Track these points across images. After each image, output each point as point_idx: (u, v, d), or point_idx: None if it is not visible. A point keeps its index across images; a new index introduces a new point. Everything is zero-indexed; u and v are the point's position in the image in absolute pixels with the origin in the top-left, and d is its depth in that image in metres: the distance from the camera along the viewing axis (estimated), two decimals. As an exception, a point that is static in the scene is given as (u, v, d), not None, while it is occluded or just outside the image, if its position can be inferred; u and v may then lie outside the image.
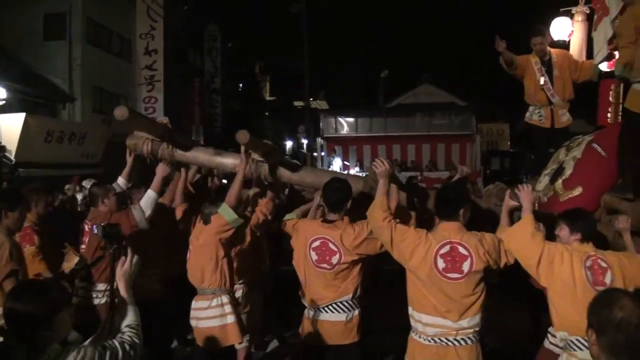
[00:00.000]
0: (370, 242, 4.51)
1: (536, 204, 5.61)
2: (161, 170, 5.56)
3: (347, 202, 4.66)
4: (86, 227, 5.85)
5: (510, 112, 35.29)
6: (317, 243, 4.57)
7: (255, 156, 5.15)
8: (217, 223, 4.94)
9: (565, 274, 3.98)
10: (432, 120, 18.62)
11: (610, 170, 5.35)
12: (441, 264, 4.01)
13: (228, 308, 5.04)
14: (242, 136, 4.71)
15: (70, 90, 21.14)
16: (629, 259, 4.14)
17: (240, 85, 42.49)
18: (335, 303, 4.55)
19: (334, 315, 4.55)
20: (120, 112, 4.64)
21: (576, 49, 7.61)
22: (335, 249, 4.51)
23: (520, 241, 4.12)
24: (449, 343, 4.01)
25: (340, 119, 19.14)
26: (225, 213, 4.86)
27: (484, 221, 4.95)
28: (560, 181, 5.56)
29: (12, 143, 16.20)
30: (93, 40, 22.16)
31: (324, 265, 4.53)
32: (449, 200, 4.24)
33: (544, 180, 5.84)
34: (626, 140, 5.35)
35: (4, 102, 16.32)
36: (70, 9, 21.01)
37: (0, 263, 4.52)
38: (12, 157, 16.25)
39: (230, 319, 5.03)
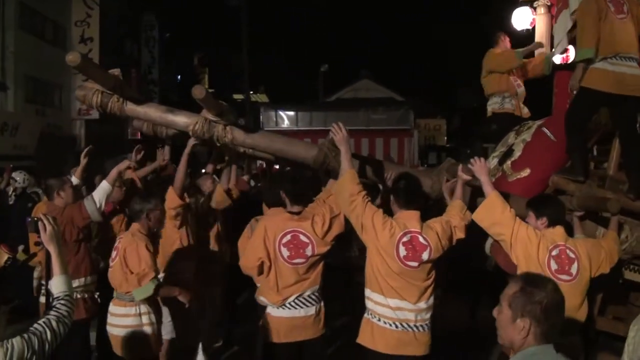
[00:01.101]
0: (336, 221, 4.57)
1: None
2: (122, 164, 5.51)
3: (310, 192, 4.70)
4: None
5: (446, 109, 36.17)
6: (287, 238, 4.47)
7: (209, 116, 4.97)
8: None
9: (532, 257, 4.19)
10: (371, 115, 18.77)
11: (559, 154, 5.50)
12: (402, 251, 4.16)
13: (145, 318, 4.90)
14: (198, 91, 4.50)
15: (3, 79, 20.36)
16: (594, 247, 4.39)
17: (179, 77, 41.89)
18: (304, 296, 4.52)
19: (303, 310, 4.52)
20: (72, 57, 4.42)
21: (539, 35, 7.89)
22: (307, 241, 4.47)
23: (492, 218, 4.30)
24: (409, 329, 4.18)
25: (280, 113, 19.10)
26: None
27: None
28: (509, 162, 5.74)
29: (-61, 132, 15.58)
30: (26, 27, 21.36)
31: (298, 260, 4.46)
32: (410, 191, 4.39)
33: (492, 162, 5.98)
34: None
35: None
36: (2, -6, 20.23)
37: None
38: (-59, 147, 15.65)
39: (147, 330, 4.90)
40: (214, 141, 5.10)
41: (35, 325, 2.74)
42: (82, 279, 5.44)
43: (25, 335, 2.65)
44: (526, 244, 4.22)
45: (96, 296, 5.71)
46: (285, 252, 4.45)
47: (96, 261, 5.86)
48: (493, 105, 7.38)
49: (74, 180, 6.01)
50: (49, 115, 22.95)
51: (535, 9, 8.11)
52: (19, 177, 9.52)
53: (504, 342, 2.49)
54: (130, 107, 5.17)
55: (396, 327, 4.19)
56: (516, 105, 7.30)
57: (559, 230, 4.34)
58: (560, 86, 6.62)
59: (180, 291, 4.95)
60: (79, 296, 5.33)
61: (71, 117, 24.84)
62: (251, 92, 32.29)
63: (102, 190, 5.34)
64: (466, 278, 7.30)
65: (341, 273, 6.86)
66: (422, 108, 24.32)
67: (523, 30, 8.25)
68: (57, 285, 2.98)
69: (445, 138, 33.00)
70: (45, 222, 3.04)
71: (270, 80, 45.10)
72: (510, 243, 4.26)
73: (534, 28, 8.16)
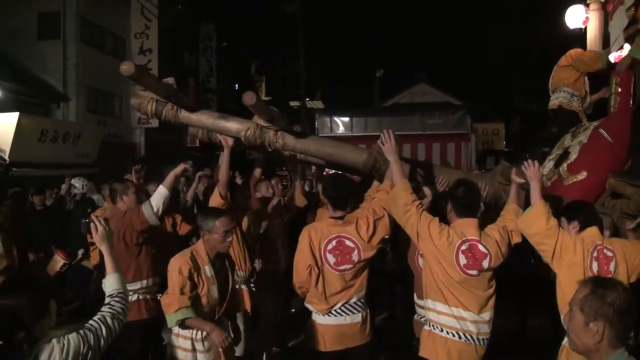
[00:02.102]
0: (380, 223, 4.47)
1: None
2: (178, 168, 5.46)
3: (351, 197, 4.59)
4: None
5: (505, 113, 35.53)
6: (333, 244, 4.39)
7: (261, 121, 5.02)
8: None
9: (576, 264, 4.05)
10: (427, 120, 18.55)
11: (616, 156, 5.36)
12: (462, 259, 4.08)
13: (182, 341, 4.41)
14: (249, 97, 4.58)
15: (65, 90, 21.06)
16: (633, 246, 4.23)
17: (236, 85, 42.43)
18: (350, 303, 4.43)
19: (349, 317, 4.42)
20: (127, 67, 4.54)
21: (592, 37, 7.66)
22: (353, 245, 4.38)
23: (536, 228, 4.16)
24: (472, 342, 4.08)
25: (335, 119, 19.08)
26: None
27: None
28: (565, 165, 5.59)
29: (6, 142, 16.19)
30: (87, 40, 22.06)
31: (345, 266, 4.37)
32: (469, 198, 4.28)
33: (548, 165, 5.85)
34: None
35: (-3, 101, 16.29)
36: (64, 8, 20.92)
37: None
38: (6, 157, 16.23)
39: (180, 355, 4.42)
40: (266, 146, 5.13)
41: (91, 321, 2.79)
42: (144, 281, 5.49)
43: (81, 332, 2.68)
44: (571, 251, 4.08)
45: (159, 297, 5.75)
46: (332, 259, 4.37)
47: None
48: (561, 99, 7.09)
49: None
50: (110, 124, 23.56)
51: (588, 5, 7.86)
52: (78, 183, 9.83)
53: (577, 348, 2.41)
54: (184, 115, 5.27)
55: (459, 337, 4.08)
56: (581, 110, 7.04)
57: (594, 230, 4.21)
58: (622, 86, 6.38)
59: (212, 327, 4.30)
60: (140, 297, 5.43)
61: (131, 126, 25.43)
62: (307, 99, 32.45)
63: (159, 195, 5.33)
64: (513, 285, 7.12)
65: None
66: (479, 112, 23.99)
67: (576, 29, 8.00)
68: (110, 283, 3.06)
69: (504, 142, 32.42)
70: (97, 223, 3.14)
71: (327, 87, 45.27)
72: (552, 253, 4.10)
73: (587, 27, 7.91)
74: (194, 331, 4.30)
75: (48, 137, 17.62)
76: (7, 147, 16.19)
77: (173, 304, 4.20)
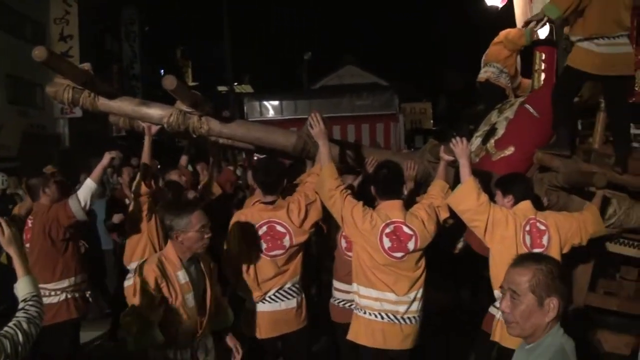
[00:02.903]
0: (312, 207, 4.48)
1: None
2: (105, 159, 5.33)
3: (283, 181, 4.58)
4: (29, 223, 5.62)
5: (432, 92, 36.15)
6: (264, 229, 4.37)
7: (184, 107, 4.88)
8: None
9: (508, 238, 4.18)
10: (356, 101, 18.66)
11: (542, 131, 5.46)
12: (387, 243, 4.12)
13: None
14: (169, 81, 4.36)
15: (-18, 80, 20.16)
16: (565, 219, 4.38)
17: (162, 71, 41.64)
18: (284, 289, 4.43)
19: (284, 303, 4.43)
20: (39, 52, 4.34)
21: (519, 14, 7.85)
22: (284, 230, 4.37)
23: (467, 204, 4.25)
24: (395, 321, 4.12)
25: (264, 103, 18.91)
26: None
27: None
28: (492, 141, 5.70)
29: None
30: (5, 26, 21.12)
31: (276, 251, 4.36)
32: (390, 180, 4.32)
33: (475, 142, 5.95)
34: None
35: None
36: (-22, -6, 19.95)
37: None
38: None
39: None
40: (190, 133, 5.00)
41: (6, 328, 2.70)
42: (72, 279, 5.35)
43: None
44: (502, 226, 4.21)
45: (87, 295, 5.61)
46: (263, 245, 4.35)
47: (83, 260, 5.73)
48: (489, 74, 7.24)
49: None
50: (32, 115, 22.71)
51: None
52: None
53: (523, 332, 2.32)
54: (103, 102, 5.07)
55: (382, 318, 4.15)
56: (509, 87, 7.23)
57: (527, 204, 4.35)
58: (546, 62, 6.56)
59: None
60: (69, 296, 5.27)
61: (54, 116, 24.55)
62: (236, 84, 32.15)
63: (87, 188, 5.19)
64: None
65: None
66: (407, 92, 24.31)
67: (495, 6, 8.21)
68: (22, 287, 2.92)
69: (432, 121, 32.99)
70: (4, 225, 2.94)
71: (255, 71, 44.90)
72: (485, 228, 4.23)
73: (506, 5, 8.10)
74: None
75: (-35, 129, 16.93)
76: None
77: (132, 324, 3.57)
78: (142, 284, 3.57)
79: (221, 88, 36.82)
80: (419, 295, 4.24)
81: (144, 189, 5.37)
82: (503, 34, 7.33)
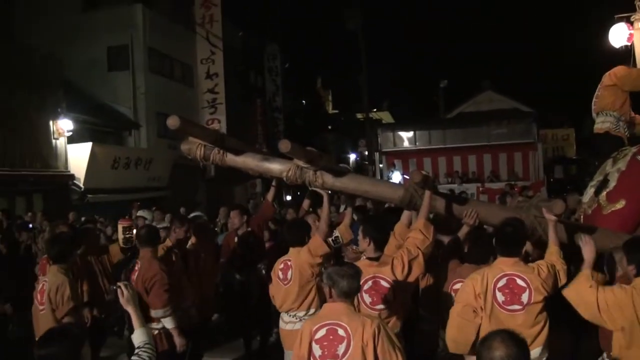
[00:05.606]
0: (415, 263, 4.51)
1: (581, 217, 5.50)
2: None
3: (386, 238, 4.74)
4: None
5: (575, 117, 34.50)
6: (369, 284, 4.44)
7: (300, 163, 5.19)
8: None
9: (627, 317, 3.78)
10: (492, 130, 18.21)
11: None
12: (500, 297, 4.05)
13: None
14: (284, 145, 4.79)
15: (135, 118, 21.79)
16: None
17: (303, 101, 42.90)
18: None
19: None
20: (173, 122, 4.80)
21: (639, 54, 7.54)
22: (387, 285, 4.43)
23: (579, 297, 3.96)
24: None
25: (398, 133, 19.00)
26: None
27: None
28: (604, 193, 5.48)
29: (80, 171, 17.26)
30: (155, 68, 22.75)
31: (380, 306, 4.42)
32: (511, 239, 4.24)
33: (589, 192, 5.75)
34: None
35: (71, 133, 17.18)
36: (132, 41, 21.70)
37: (63, 300, 5.02)
38: (81, 184, 17.21)
39: None
40: (307, 185, 5.34)
41: None
42: None
43: None
44: (622, 307, 3.77)
45: None
46: (368, 299, 4.43)
47: None
48: (608, 124, 6.67)
49: None
50: (180, 148, 24.06)
51: (632, 23, 7.68)
52: (143, 214, 9.93)
53: None
54: (230, 158, 5.49)
55: None
56: (626, 136, 6.67)
57: None
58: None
59: None
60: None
61: (201, 148, 25.90)
62: (374, 110, 32.61)
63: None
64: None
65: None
66: (548, 117, 23.39)
67: (622, 47, 7.81)
68: (137, 336, 3.42)
69: (575, 148, 31.43)
70: (123, 288, 3.55)
71: (393, 97, 45.20)
72: (604, 320, 3.84)
73: (632, 44, 7.69)
74: None
75: (120, 163, 18.45)
76: (81, 175, 17.24)
77: None
78: None
79: (360, 115, 37.41)
80: (540, 353, 4.02)
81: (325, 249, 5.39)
82: (616, 75, 6.75)
